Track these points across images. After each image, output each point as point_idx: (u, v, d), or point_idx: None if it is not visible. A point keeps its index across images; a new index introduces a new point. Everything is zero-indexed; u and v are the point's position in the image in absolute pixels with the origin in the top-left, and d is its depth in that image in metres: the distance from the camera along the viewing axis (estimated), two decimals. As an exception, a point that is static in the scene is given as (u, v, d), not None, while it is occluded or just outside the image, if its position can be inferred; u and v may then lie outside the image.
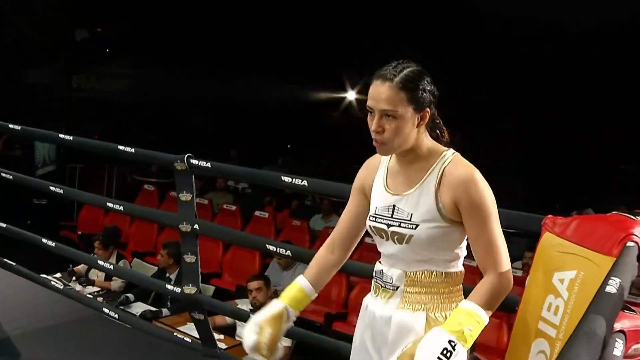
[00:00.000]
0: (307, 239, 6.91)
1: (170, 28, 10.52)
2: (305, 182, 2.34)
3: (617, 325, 1.85)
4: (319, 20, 9.90)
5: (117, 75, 12.08)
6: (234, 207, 7.62)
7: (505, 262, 1.73)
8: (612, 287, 1.24)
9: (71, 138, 3.22)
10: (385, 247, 1.82)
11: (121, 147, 2.97)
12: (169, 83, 11.19)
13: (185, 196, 2.75)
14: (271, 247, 2.50)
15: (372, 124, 1.69)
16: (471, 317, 1.63)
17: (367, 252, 5.67)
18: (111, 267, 3.29)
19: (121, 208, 3.10)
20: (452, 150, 1.77)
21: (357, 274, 2.76)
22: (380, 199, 1.83)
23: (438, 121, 1.82)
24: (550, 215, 2.07)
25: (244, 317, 2.83)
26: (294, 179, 2.36)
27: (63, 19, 9.65)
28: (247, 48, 10.90)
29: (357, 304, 5.49)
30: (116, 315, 3.20)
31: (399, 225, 1.75)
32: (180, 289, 2.82)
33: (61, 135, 3.29)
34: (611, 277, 1.30)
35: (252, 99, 10.74)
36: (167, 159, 2.81)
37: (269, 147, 11.84)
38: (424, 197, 1.73)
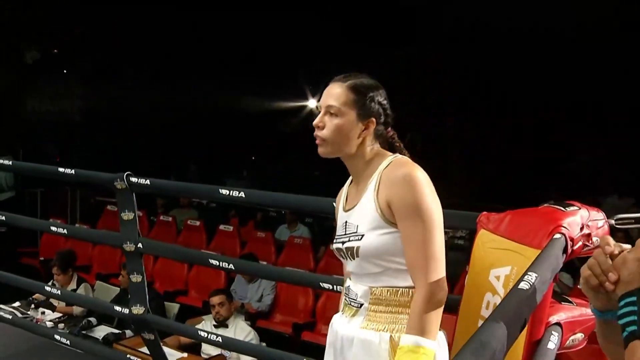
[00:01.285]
0: (273, 250, 6.87)
1: (125, 41, 10.45)
2: (242, 194, 2.31)
3: (554, 318, 1.86)
4: (279, 28, 9.91)
5: (73, 95, 11.93)
6: (197, 223, 7.54)
7: (436, 270, 1.61)
8: (526, 283, 1.23)
9: (10, 162, 3.15)
10: (348, 265, 1.78)
11: (61, 169, 2.91)
12: (126, 99, 11.09)
13: (127, 215, 2.70)
14: (214, 262, 2.46)
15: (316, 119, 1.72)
16: (416, 354, 1.55)
17: (333, 259, 5.66)
18: (59, 292, 3.21)
19: (65, 231, 3.03)
20: (394, 155, 1.74)
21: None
22: (338, 220, 1.82)
23: (392, 137, 1.81)
24: (485, 212, 2.07)
25: (194, 335, 2.79)
26: (231, 191, 2.33)
27: (12, 40, 9.51)
28: (208, 59, 10.85)
29: (324, 313, 5.52)
30: (68, 342, 3.13)
31: (349, 240, 1.71)
32: (128, 310, 2.77)
33: (0, 161, 3.21)
34: (527, 273, 1.29)
35: (212, 111, 10.68)
36: (107, 178, 2.76)
37: (232, 159, 11.79)
38: (367, 205, 1.69)
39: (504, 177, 9.25)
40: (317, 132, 1.71)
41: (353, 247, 1.69)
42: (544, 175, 8.93)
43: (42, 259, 7.61)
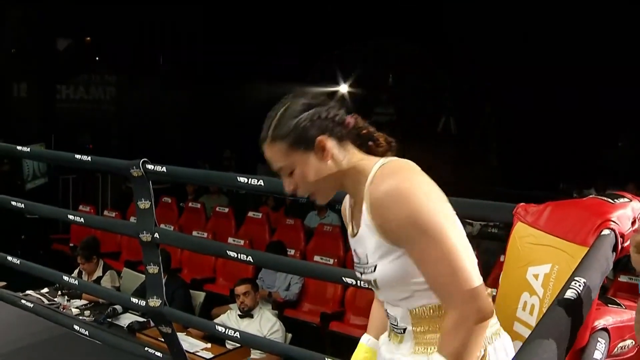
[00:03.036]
0: (302, 237, 6.78)
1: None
2: (261, 182, 2.18)
3: (600, 322, 1.68)
4: (306, 13, 9.80)
5: (106, 84, 12.00)
6: (226, 209, 7.48)
7: (464, 282, 1.34)
8: (573, 292, 1.06)
9: (28, 149, 3.07)
10: (376, 293, 1.60)
11: (77, 156, 2.82)
12: (157, 88, 11.13)
13: (143, 204, 2.59)
14: (231, 254, 2.34)
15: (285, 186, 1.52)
16: None
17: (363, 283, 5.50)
18: (76, 282, 3.14)
19: (82, 220, 2.95)
20: (380, 162, 1.47)
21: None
22: (350, 242, 1.60)
23: (365, 132, 1.51)
24: (522, 204, 1.89)
25: (210, 329, 2.69)
26: (249, 179, 2.20)
27: (42, 28, 9.59)
28: (239, 46, 10.81)
29: (353, 303, 5.39)
30: (87, 332, 3.05)
31: (364, 272, 1.51)
32: (145, 302, 2.67)
33: (19, 147, 3.14)
34: (574, 278, 1.12)
35: (244, 98, 10.60)
36: (123, 165, 2.66)
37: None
38: (367, 232, 1.46)
39: (544, 165, 8.97)
40: (298, 195, 1.51)
41: (370, 280, 1.50)
42: (587, 164, 8.62)
43: (72, 245, 7.64)
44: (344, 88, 11.54)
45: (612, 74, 8.04)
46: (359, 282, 2.05)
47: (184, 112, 11.56)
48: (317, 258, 5.71)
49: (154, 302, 2.62)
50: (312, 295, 5.71)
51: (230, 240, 6.21)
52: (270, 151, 1.47)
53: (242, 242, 6.13)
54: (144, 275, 5.59)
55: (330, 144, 1.44)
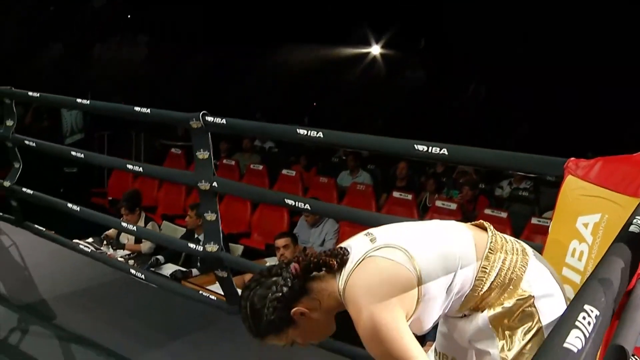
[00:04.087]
0: (335, 196, 6.90)
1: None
2: (320, 134, 2.30)
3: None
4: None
5: (139, 44, 12.07)
6: (260, 167, 7.62)
7: None
8: (636, 227, 1.17)
9: (88, 102, 3.22)
10: None
11: (137, 108, 2.96)
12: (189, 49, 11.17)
13: (202, 154, 2.73)
14: (289, 202, 2.47)
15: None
16: None
17: (394, 207, 5.64)
18: (134, 228, 3.31)
19: (140, 169, 3.10)
20: (341, 284, 1.50)
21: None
22: None
23: (313, 263, 1.53)
24: (572, 158, 1.99)
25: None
26: (309, 131, 2.32)
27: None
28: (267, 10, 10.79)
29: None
30: (143, 276, 3.24)
31: None
32: (202, 248, 2.83)
33: (78, 100, 3.29)
34: (636, 216, 1.23)
35: (272, 61, 10.65)
36: (183, 117, 2.79)
37: (294, 107, 11.78)
38: None
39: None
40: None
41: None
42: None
43: (110, 198, 7.87)
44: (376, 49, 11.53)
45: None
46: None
47: (212, 74, 11.62)
48: (351, 215, 5.83)
49: (212, 247, 2.78)
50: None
51: (266, 196, 6.35)
52: (268, 342, 1.56)
53: (277, 199, 6.27)
54: (182, 228, 5.86)
55: (303, 306, 1.51)
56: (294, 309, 1.50)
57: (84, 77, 10.32)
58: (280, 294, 1.50)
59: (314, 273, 1.53)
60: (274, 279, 1.53)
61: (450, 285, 1.49)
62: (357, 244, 1.54)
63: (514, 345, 1.51)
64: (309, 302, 1.52)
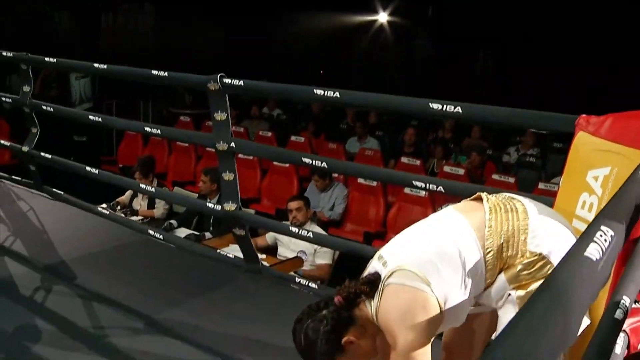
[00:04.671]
0: (348, 161, 6.95)
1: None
2: (337, 94, 2.35)
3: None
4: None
5: (145, 14, 11.99)
6: (269, 134, 7.68)
7: None
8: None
9: (105, 67, 3.27)
10: None
11: (154, 72, 3.01)
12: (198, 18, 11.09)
13: (220, 115, 2.79)
14: (307, 160, 2.54)
15: None
16: None
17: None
18: (153, 189, 3.39)
19: (158, 132, 3.16)
20: (374, 311, 1.67)
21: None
22: None
23: (352, 293, 1.68)
24: (584, 115, 2.05)
25: (284, 230, 2.91)
26: (326, 91, 2.37)
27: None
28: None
29: (395, 223, 5.60)
30: (161, 237, 3.32)
31: None
32: (220, 207, 2.90)
33: (95, 65, 3.34)
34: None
35: (279, 28, 10.60)
36: (200, 80, 2.84)
37: (301, 75, 11.75)
38: None
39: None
40: None
41: None
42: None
43: (120, 166, 7.96)
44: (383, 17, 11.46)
45: None
46: (428, 184, 2.25)
47: (221, 43, 11.57)
48: (360, 180, 5.91)
49: (230, 206, 2.85)
50: (354, 215, 5.95)
51: (275, 162, 6.42)
52: None
53: (287, 165, 6.35)
54: (193, 194, 5.95)
55: (351, 335, 1.68)
56: (344, 339, 1.67)
57: (93, 47, 10.28)
58: (331, 327, 1.66)
59: (356, 301, 1.68)
60: (324, 312, 1.70)
61: (464, 279, 1.62)
62: (375, 269, 1.69)
63: (529, 286, 1.62)
64: (356, 330, 1.68)
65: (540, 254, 1.61)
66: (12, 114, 7.80)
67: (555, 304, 0.65)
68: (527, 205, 1.71)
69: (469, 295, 1.63)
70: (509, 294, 1.63)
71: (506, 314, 1.65)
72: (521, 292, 1.62)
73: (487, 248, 1.63)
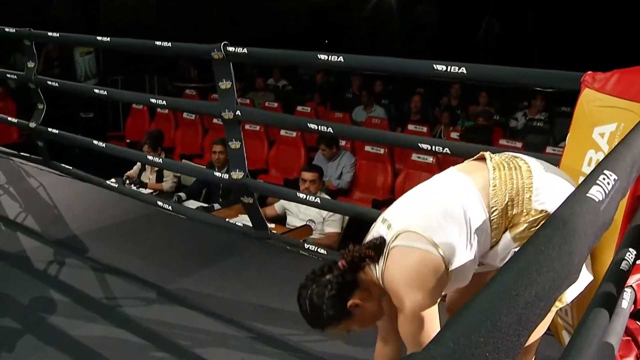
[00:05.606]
0: (352, 126, 6.93)
1: None
2: (341, 58, 2.35)
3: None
4: None
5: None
6: (275, 104, 7.66)
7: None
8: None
9: (108, 39, 3.26)
10: None
11: (158, 42, 3.00)
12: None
13: (225, 84, 2.79)
14: (312, 126, 2.54)
15: None
16: None
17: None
18: (161, 161, 3.40)
19: (164, 102, 3.16)
20: (379, 274, 1.67)
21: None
22: None
23: (357, 256, 1.68)
24: (589, 72, 2.04)
25: (292, 197, 2.92)
26: (330, 56, 2.37)
27: None
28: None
29: (403, 190, 5.58)
30: (170, 208, 3.34)
31: None
32: (228, 176, 2.92)
33: (99, 38, 3.33)
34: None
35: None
36: (204, 49, 2.83)
37: (306, 43, 11.67)
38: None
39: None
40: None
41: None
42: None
43: (128, 141, 7.97)
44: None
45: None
46: (433, 147, 2.25)
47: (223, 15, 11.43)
48: (367, 148, 5.90)
49: (237, 174, 2.87)
50: (362, 183, 5.95)
51: (282, 132, 6.43)
52: (327, 332, 1.75)
53: (294, 135, 6.34)
54: (201, 167, 5.97)
55: (356, 298, 1.68)
56: (349, 302, 1.67)
57: (94, 21, 10.17)
58: (336, 291, 1.66)
59: (361, 264, 1.68)
60: (328, 277, 1.69)
61: (469, 238, 1.62)
62: (379, 233, 1.68)
63: None
64: (361, 294, 1.68)
65: (544, 211, 1.61)
66: (18, 93, 7.82)
67: (557, 237, 0.66)
68: (531, 163, 1.71)
69: (474, 255, 1.64)
70: (513, 251, 1.64)
71: None
72: None
73: (492, 207, 1.63)
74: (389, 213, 1.72)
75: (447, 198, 1.66)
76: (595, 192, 0.75)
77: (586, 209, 0.72)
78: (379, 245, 1.66)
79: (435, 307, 1.62)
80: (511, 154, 1.78)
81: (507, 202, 1.64)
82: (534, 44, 10.24)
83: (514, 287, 0.61)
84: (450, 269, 1.59)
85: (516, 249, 1.62)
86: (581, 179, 1.95)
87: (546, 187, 1.65)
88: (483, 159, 1.75)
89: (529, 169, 1.68)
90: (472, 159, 1.80)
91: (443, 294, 1.68)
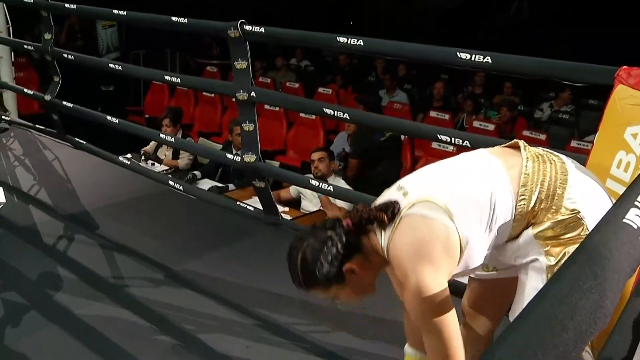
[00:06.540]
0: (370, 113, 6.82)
1: None
2: (360, 42, 2.24)
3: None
4: None
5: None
6: (296, 85, 7.57)
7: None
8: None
9: (125, 13, 3.18)
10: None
11: (174, 18, 2.92)
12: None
13: (240, 64, 2.70)
14: (328, 111, 2.45)
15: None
16: None
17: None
18: (173, 140, 3.34)
19: (178, 80, 3.09)
20: (385, 242, 1.51)
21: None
22: None
23: (365, 218, 1.52)
24: (624, 67, 1.91)
25: (305, 183, 2.85)
26: (349, 39, 2.27)
27: None
28: None
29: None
30: (181, 187, 3.28)
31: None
32: (240, 158, 2.84)
33: (115, 11, 3.26)
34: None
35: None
36: (220, 27, 2.75)
37: (330, 24, 11.51)
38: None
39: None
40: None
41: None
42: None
43: (147, 116, 7.94)
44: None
45: None
46: (453, 139, 2.15)
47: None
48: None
49: (249, 157, 2.79)
50: (380, 170, 5.86)
51: (302, 114, 6.33)
52: (311, 293, 1.57)
53: (313, 117, 6.24)
54: (218, 145, 5.91)
55: (354, 263, 1.52)
56: (346, 266, 1.51)
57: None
58: (335, 250, 1.50)
59: (367, 227, 1.52)
60: (329, 233, 1.52)
61: (490, 222, 1.49)
62: (393, 199, 1.52)
63: (559, 253, 1.51)
64: (360, 260, 1.53)
65: (574, 210, 1.49)
66: (40, 64, 7.80)
67: (589, 275, 0.57)
68: (565, 160, 1.59)
69: (490, 241, 1.51)
70: (536, 259, 1.52)
71: (530, 280, 1.54)
72: (551, 260, 1.50)
73: (520, 195, 1.50)
74: (406, 181, 1.57)
75: (475, 176, 1.53)
76: (633, 217, 0.66)
77: (622, 238, 0.63)
78: (392, 210, 1.48)
79: (446, 286, 1.44)
80: (546, 149, 1.66)
81: (538, 194, 1.50)
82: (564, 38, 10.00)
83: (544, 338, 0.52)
84: (464, 249, 1.46)
85: (541, 257, 1.51)
86: (609, 181, 1.85)
87: (579, 186, 1.53)
88: (516, 147, 1.62)
89: (564, 165, 1.56)
90: (504, 144, 1.66)
91: (451, 276, 1.52)
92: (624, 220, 0.65)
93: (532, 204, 1.50)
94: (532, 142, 1.71)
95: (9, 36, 4.77)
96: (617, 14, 8.54)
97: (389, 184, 1.59)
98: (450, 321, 1.46)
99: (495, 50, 2.06)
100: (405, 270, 1.44)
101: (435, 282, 1.42)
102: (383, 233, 1.50)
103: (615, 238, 0.63)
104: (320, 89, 7.26)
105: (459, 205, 1.46)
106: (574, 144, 5.65)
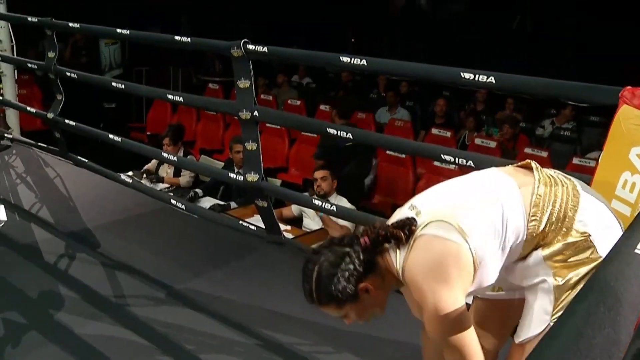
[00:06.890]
0: (374, 132, 6.83)
1: None
2: (364, 62, 2.24)
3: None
4: None
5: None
6: (298, 102, 7.58)
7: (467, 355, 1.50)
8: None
9: (128, 32, 3.20)
10: None
11: (177, 37, 2.93)
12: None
13: (243, 83, 2.70)
14: (331, 131, 2.45)
15: None
16: None
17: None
18: (175, 158, 3.34)
19: (181, 99, 3.10)
20: (399, 263, 1.51)
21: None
22: None
23: (382, 235, 1.51)
24: (629, 87, 1.91)
25: (307, 203, 2.84)
26: (352, 59, 2.27)
27: None
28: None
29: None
30: (183, 207, 3.28)
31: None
32: (242, 177, 2.84)
33: (118, 30, 3.27)
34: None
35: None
36: (223, 45, 2.75)
37: (333, 39, 11.54)
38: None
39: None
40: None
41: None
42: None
43: (149, 133, 7.95)
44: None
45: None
46: (457, 159, 2.14)
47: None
48: (389, 152, 5.79)
49: (252, 177, 2.78)
50: (383, 186, 5.84)
51: (303, 132, 6.33)
52: (323, 310, 1.56)
53: (315, 135, 6.24)
54: (220, 162, 5.91)
55: (369, 282, 1.51)
56: (362, 284, 1.50)
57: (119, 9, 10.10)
58: (353, 267, 1.50)
59: (382, 246, 1.52)
60: (347, 249, 1.52)
61: (503, 241, 1.48)
62: (408, 216, 1.51)
63: (568, 274, 1.50)
64: (375, 279, 1.52)
65: (585, 233, 1.49)
66: (44, 81, 7.82)
67: (602, 309, 0.56)
68: (576, 182, 1.59)
69: (504, 260, 1.51)
70: (544, 280, 1.52)
71: (537, 301, 1.53)
72: (559, 281, 1.50)
73: (532, 216, 1.49)
74: (418, 200, 1.57)
75: (487, 194, 1.52)
76: (647, 247, 0.65)
77: (635, 270, 0.62)
78: (410, 227, 1.48)
79: (463, 304, 1.46)
80: (556, 170, 1.65)
81: (549, 215, 1.50)
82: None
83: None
84: (477, 265, 1.45)
85: (549, 278, 1.50)
86: (614, 202, 1.84)
87: (590, 209, 1.53)
88: (529, 167, 1.61)
89: (576, 187, 1.56)
90: (516, 164, 1.66)
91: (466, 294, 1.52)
92: (636, 251, 0.64)
93: (543, 225, 1.50)
94: (534, 159, 1.71)
95: (13, 54, 4.79)
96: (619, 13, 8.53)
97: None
98: (471, 336, 1.49)
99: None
100: (423, 291, 1.45)
101: (453, 301, 1.44)
102: (398, 253, 1.50)
103: (628, 269, 0.61)
104: (322, 106, 7.27)
105: (472, 224, 1.46)
106: (575, 160, 5.63)
